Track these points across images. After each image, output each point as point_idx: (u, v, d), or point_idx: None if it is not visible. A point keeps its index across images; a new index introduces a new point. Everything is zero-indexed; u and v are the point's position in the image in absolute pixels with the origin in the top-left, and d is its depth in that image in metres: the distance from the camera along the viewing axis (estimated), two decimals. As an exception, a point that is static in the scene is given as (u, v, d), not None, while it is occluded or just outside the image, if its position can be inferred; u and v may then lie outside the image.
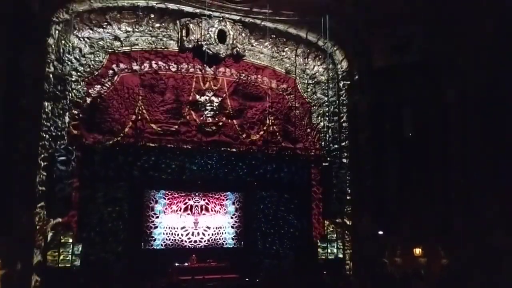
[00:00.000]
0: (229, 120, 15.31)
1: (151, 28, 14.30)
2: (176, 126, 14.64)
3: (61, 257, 12.68)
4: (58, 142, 12.88)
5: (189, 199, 16.60)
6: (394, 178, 14.37)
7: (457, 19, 13.03)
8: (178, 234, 16.21)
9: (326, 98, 16.62)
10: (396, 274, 13.76)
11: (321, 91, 16.73)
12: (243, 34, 14.91)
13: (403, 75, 14.32)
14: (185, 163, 15.63)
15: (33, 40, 11.69)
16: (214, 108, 15.10)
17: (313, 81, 16.74)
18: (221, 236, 16.80)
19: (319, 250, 15.75)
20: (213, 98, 15.13)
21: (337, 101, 16.40)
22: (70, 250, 12.82)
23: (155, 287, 13.47)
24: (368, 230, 14.76)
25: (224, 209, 17.04)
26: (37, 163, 12.17)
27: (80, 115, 13.58)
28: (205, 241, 16.52)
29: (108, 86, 14.04)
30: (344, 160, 15.84)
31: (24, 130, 11.44)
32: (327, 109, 16.60)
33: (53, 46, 12.79)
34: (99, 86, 13.91)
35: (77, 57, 13.64)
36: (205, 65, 14.74)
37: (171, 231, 16.13)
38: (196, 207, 16.64)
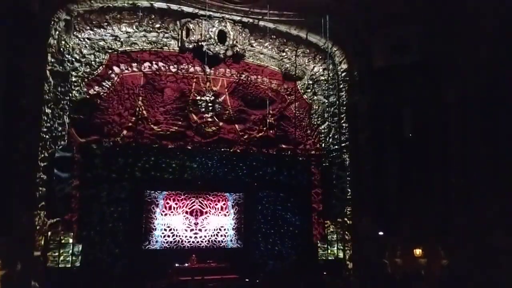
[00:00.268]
0: (229, 121, 15.30)
1: (151, 29, 14.31)
2: (176, 127, 14.64)
3: (61, 257, 12.70)
4: (58, 143, 12.90)
5: (189, 200, 16.60)
6: (394, 178, 14.33)
7: (457, 19, 13.04)
8: (178, 235, 16.20)
9: (326, 99, 16.64)
10: (396, 275, 13.76)
11: (321, 92, 16.74)
12: (243, 35, 14.93)
13: (403, 75, 14.30)
14: (185, 163, 15.62)
15: (33, 40, 11.68)
16: (214, 108, 15.11)
17: (313, 81, 16.77)
18: (221, 236, 16.79)
19: (319, 250, 15.78)
20: (213, 98, 15.15)
21: (337, 102, 16.40)
22: (70, 250, 12.84)
23: (155, 287, 13.45)
24: (368, 230, 14.74)
25: (224, 210, 17.02)
26: (37, 163, 12.17)
27: (80, 116, 13.59)
28: (205, 241, 16.51)
29: (108, 86, 14.09)
30: (344, 161, 15.83)
31: (24, 130, 11.43)
32: (327, 109, 16.62)
33: (53, 46, 12.79)
34: (99, 87, 13.94)
35: (77, 57, 13.67)
36: (205, 66, 14.76)
37: (171, 231, 16.12)
38: (196, 208, 16.62)
